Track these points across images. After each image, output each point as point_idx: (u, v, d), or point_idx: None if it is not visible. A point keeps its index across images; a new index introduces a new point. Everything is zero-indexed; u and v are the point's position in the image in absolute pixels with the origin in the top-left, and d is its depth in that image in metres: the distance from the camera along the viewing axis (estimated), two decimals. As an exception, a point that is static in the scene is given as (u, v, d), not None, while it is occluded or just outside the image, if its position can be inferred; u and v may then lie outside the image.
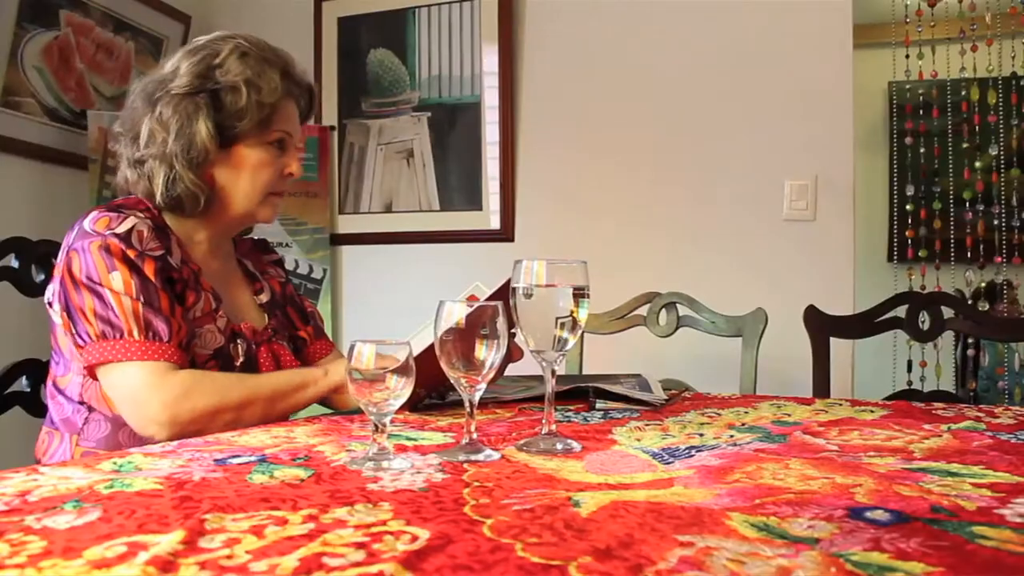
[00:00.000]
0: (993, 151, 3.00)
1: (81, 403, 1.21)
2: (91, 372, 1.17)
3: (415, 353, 0.89)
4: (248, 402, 1.17)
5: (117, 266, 1.15)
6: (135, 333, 1.13)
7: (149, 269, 1.17)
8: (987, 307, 3.00)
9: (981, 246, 3.00)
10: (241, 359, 1.28)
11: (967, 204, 2.99)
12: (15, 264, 1.41)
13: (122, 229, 1.18)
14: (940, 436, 1.03)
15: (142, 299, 1.14)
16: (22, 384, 1.41)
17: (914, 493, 0.71)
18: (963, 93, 2.98)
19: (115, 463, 0.83)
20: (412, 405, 1.26)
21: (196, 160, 1.26)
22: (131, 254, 1.16)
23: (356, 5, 3.05)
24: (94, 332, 1.13)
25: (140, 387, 1.12)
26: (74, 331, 1.16)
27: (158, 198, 1.26)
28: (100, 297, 1.14)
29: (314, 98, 1.41)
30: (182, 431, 1.11)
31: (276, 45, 1.36)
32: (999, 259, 3.04)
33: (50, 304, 1.22)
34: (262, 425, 1.12)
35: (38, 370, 1.41)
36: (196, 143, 1.25)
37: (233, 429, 1.09)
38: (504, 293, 0.98)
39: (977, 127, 2.96)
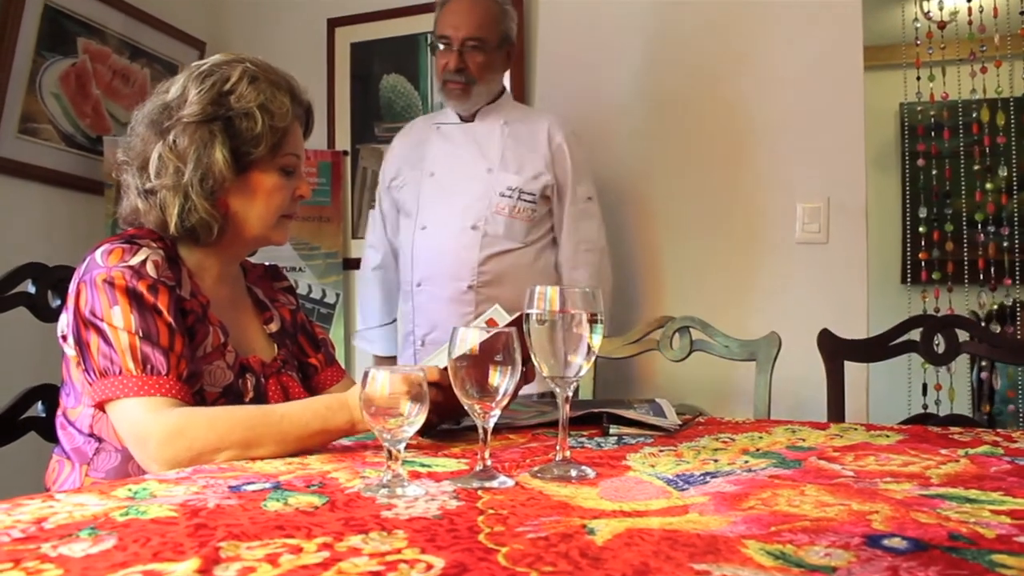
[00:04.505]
0: (1004, 172, 2.98)
1: (91, 435, 1.19)
2: (100, 408, 1.15)
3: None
4: (253, 442, 1.09)
5: (119, 300, 1.13)
6: (132, 368, 1.11)
7: (163, 299, 1.15)
8: (999, 329, 2.97)
9: (992, 268, 2.98)
10: (251, 394, 1.26)
11: (979, 225, 2.97)
12: (32, 290, 1.42)
13: (135, 260, 1.17)
14: (957, 461, 1.02)
15: (140, 333, 1.12)
16: (37, 409, 1.41)
17: (932, 520, 0.70)
18: (974, 115, 2.97)
19: (130, 490, 0.83)
20: (425, 431, 1.26)
21: (212, 189, 1.24)
22: (142, 285, 1.14)
23: (369, 31, 3.08)
24: (97, 369, 1.12)
25: (139, 423, 1.09)
26: (84, 367, 1.14)
27: (172, 229, 1.25)
28: (102, 333, 1.13)
29: (312, 115, 1.41)
30: (183, 468, 1.04)
31: (289, 70, 1.36)
32: (1007, 280, 3.02)
33: (64, 338, 1.21)
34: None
35: (53, 395, 1.41)
36: (214, 172, 1.24)
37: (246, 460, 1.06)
38: (517, 324, 0.98)
39: (987, 148, 2.95)
